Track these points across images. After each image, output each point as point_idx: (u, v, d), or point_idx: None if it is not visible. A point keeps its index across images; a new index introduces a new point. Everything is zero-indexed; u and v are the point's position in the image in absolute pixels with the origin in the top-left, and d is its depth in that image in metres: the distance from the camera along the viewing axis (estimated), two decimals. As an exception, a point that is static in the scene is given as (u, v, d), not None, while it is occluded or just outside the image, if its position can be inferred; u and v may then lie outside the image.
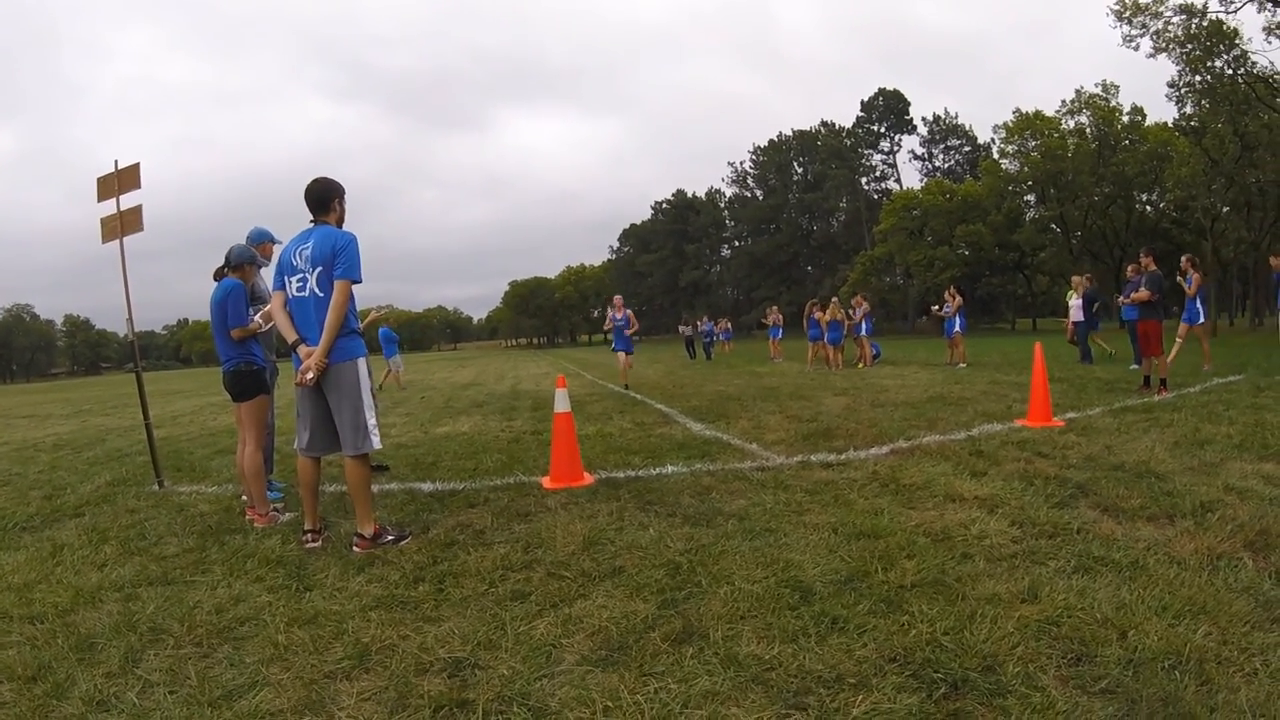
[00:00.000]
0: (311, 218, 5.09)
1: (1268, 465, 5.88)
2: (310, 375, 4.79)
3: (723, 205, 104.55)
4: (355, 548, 4.88)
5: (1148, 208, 56.16)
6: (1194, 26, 35.45)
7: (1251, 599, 3.35)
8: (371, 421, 4.99)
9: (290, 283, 4.98)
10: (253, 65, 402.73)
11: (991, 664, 2.89)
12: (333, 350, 4.87)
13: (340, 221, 5.13)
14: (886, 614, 3.41)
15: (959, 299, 19.56)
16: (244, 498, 6.18)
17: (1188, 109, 40.69)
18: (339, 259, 4.84)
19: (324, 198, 5.06)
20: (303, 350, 4.88)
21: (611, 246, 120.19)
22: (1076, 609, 3.31)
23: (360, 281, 4.94)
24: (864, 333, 20.76)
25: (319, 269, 4.86)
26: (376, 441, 5.02)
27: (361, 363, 5.00)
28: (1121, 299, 16.46)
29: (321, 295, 4.87)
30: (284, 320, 5.01)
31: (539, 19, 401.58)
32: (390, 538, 5.02)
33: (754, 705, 2.73)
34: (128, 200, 7.44)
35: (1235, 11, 34.48)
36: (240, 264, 6.14)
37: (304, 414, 5.10)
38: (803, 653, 3.08)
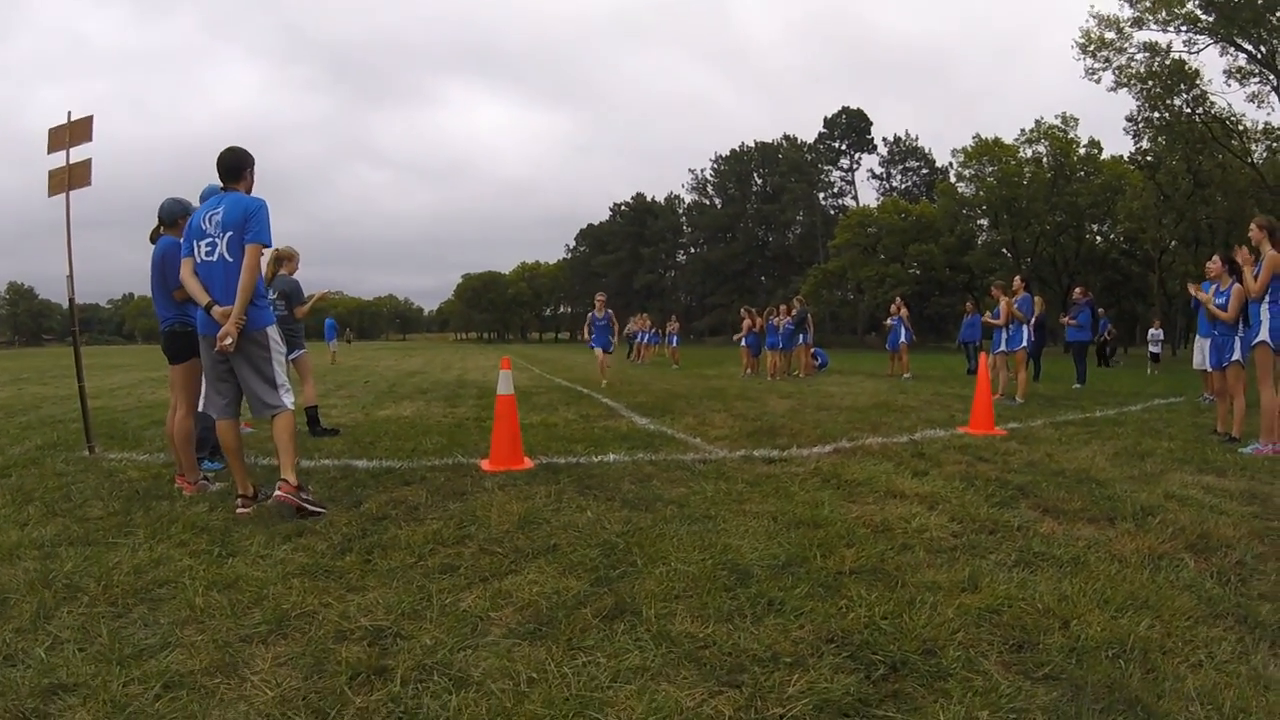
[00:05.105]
0: (221, 184, 5.18)
1: (1208, 477, 5.96)
2: (229, 340, 4.78)
3: (681, 211, 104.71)
4: (279, 491, 4.83)
5: (1098, 238, 57.28)
6: (1156, 64, 36.19)
7: (1194, 596, 3.35)
8: (281, 381, 5.13)
9: (199, 247, 5.01)
10: (185, 27, 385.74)
11: (932, 648, 2.84)
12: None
13: (249, 190, 5.18)
14: (824, 598, 3.35)
15: (905, 309, 19.61)
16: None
17: (1144, 143, 41.50)
18: (250, 223, 4.89)
19: (236, 165, 5.13)
20: (216, 311, 4.88)
21: (568, 245, 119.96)
22: (1018, 599, 3.27)
23: (270, 245, 5.03)
24: (802, 341, 20.24)
25: (229, 234, 4.90)
26: (289, 401, 5.15)
27: (270, 330, 5.11)
28: (1065, 319, 16.79)
29: (231, 260, 4.91)
30: (194, 285, 5.02)
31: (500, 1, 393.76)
32: (309, 496, 5.02)
33: (686, 681, 2.64)
34: (78, 153, 7.30)
35: (1198, 53, 35.32)
36: (174, 219, 5.93)
37: (217, 379, 5.15)
38: (738, 632, 3.00)
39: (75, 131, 7.26)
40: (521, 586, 3.54)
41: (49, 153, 7.33)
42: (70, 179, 7.25)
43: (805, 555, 3.92)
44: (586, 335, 17.02)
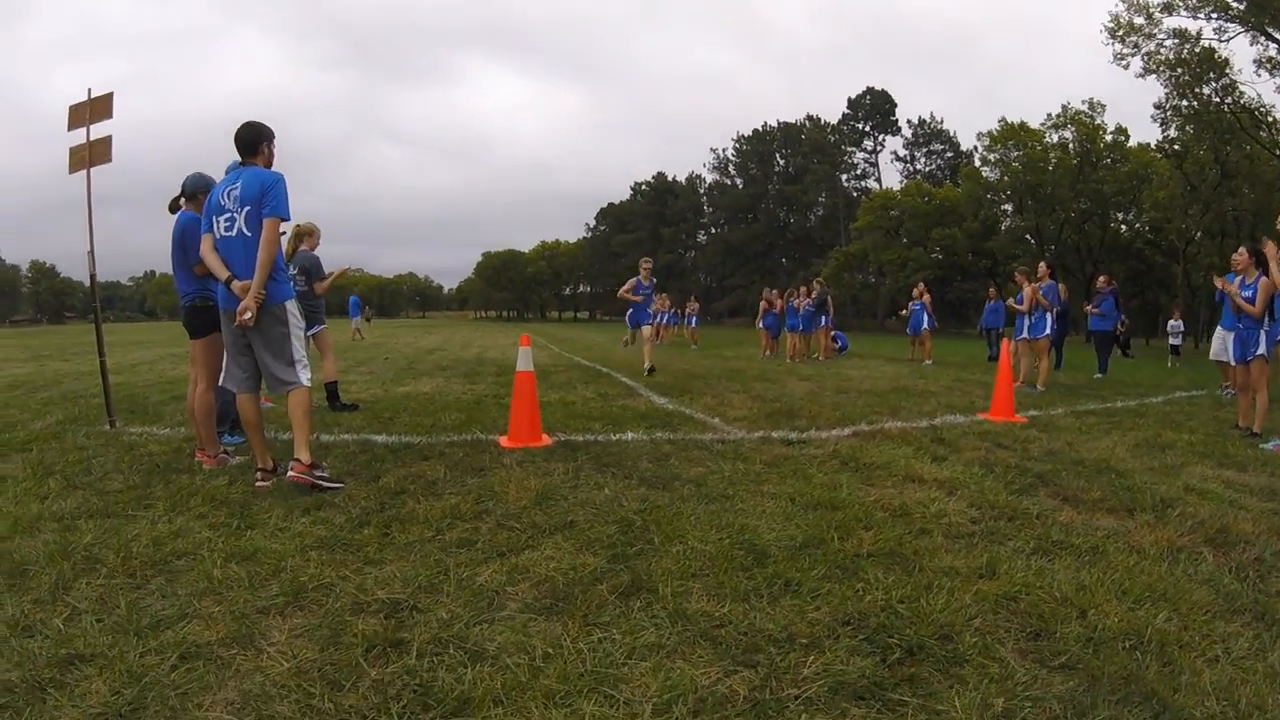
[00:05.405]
0: (239, 160, 5.16)
1: (1228, 472, 5.90)
2: (249, 315, 4.77)
3: (702, 191, 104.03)
4: (291, 472, 4.86)
5: (1123, 227, 56.57)
6: (1185, 51, 35.69)
7: (1212, 590, 3.32)
8: (299, 357, 5.11)
9: (218, 223, 5.01)
10: (201, 4, 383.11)
11: (948, 633, 2.84)
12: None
13: (268, 164, 5.17)
14: (841, 580, 3.35)
15: (928, 295, 19.48)
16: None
17: (1171, 132, 40.95)
18: (267, 197, 4.88)
19: (253, 140, 5.11)
20: (236, 286, 4.88)
21: (588, 224, 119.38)
22: (1035, 587, 3.26)
23: (289, 219, 5.03)
24: (823, 324, 20.08)
25: (247, 208, 4.90)
26: (305, 378, 5.12)
27: (289, 305, 5.09)
28: (1090, 308, 16.60)
29: (249, 235, 4.91)
30: (214, 260, 5.02)
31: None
32: (324, 473, 5.02)
33: (701, 660, 2.64)
34: (98, 130, 7.30)
35: (1228, 41, 34.81)
36: (195, 193, 5.94)
37: (238, 353, 5.15)
38: (754, 612, 3.01)
39: (96, 108, 7.27)
40: (538, 562, 3.56)
41: (69, 130, 7.34)
42: (91, 156, 7.27)
43: (823, 537, 3.92)
44: (628, 293, 14.43)
